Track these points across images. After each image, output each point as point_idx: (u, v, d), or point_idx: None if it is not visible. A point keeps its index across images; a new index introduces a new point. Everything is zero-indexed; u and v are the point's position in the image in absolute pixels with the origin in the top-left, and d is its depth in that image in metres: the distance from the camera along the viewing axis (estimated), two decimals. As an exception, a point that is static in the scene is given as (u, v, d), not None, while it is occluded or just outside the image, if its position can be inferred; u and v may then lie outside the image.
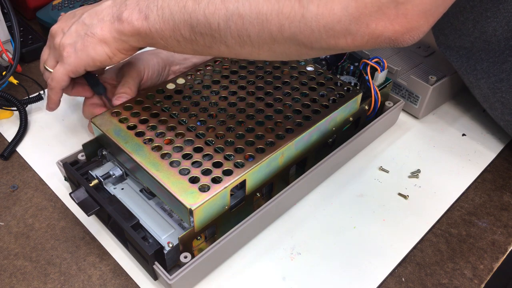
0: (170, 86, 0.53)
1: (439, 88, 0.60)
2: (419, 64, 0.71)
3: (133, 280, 0.46)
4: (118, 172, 0.49)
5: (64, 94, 0.53)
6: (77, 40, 0.48)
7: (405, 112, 0.64)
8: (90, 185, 0.47)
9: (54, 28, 0.51)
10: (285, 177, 0.50)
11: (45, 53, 0.52)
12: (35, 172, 0.56)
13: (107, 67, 0.56)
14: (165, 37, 0.44)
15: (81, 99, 0.66)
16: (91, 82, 0.53)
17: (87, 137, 0.51)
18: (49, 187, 0.54)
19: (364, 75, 0.57)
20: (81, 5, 0.71)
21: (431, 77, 0.59)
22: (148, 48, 0.52)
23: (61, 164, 0.50)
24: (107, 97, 0.54)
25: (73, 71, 0.49)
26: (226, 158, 0.45)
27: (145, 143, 0.46)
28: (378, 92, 0.56)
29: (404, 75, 0.67)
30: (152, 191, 0.46)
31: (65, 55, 0.48)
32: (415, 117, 0.64)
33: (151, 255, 0.41)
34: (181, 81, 0.54)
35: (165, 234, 0.44)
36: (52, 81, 0.50)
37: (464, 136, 0.62)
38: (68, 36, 0.48)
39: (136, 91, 0.53)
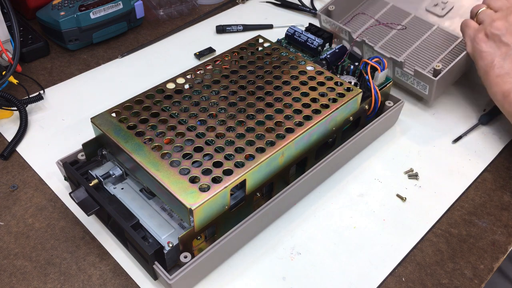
0: (170, 85, 0.53)
1: (445, 76, 0.60)
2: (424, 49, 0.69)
3: (133, 280, 0.46)
4: (118, 171, 0.49)
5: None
6: None
7: (416, 99, 0.65)
8: (90, 184, 0.47)
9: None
10: (285, 177, 0.50)
11: None
12: (35, 172, 0.56)
13: None
14: None
15: (80, 99, 0.66)
16: None
17: (87, 137, 0.51)
18: (49, 187, 0.54)
19: (364, 74, 0.57)
20: (80, 5, 0.71)
21: (437, 66, 0.59)
22: None
23: (61, 163, 0.50)
24: None
25: None
26: (226, 158, 0.45)
27: (145, 142, 0.46)
28: (378, 92, 0.56)
29: (409, 63, 0.66)
30: (152, 191, 0.46)
31: None
32: (426, 102, 0.65)
33: (151, 255, 0.41)
34: (181, 80, 0.54)
35: (165, 234, 0.44)
36: None
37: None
38: None
39: None
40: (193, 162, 0.45)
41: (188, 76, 0.55)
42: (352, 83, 0.57)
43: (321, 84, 0.54)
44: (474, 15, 0.58)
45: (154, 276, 0.44)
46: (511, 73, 0.52)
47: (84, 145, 0.50)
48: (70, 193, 0.47)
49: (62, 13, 0.71)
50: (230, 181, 0.43)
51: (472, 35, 0.57)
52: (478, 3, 0.60)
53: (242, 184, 0.45)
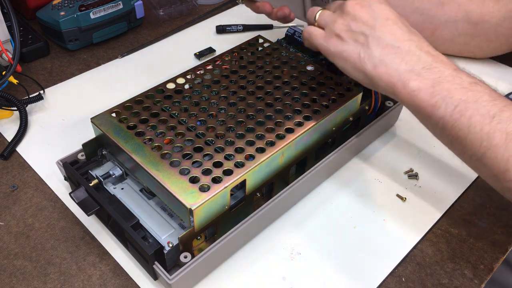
0: (170, 85, 0.53)
1: None
2: None
3: (133, 280, 0.46)
4: (118, 172, 0.49)
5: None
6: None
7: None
8: (90, 184, 0.47)
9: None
10: (285, 177, 0.50)
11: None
12: (35, 172, 0.56)
13: None
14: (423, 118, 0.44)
15: (80, 99, 0.66)
16: None
17: (87, 137, 0.51)
18: (49, 187, 0.54)
19: (364, 75, 0.56)
20: (80, 5, 0.71)
21: None
22: None
23: (61, 163, 0.50)
24: None
25: None
26: (226, 158, 0.45)
27: (145, 143, 0.46)
28: (378, 92, 0.56)
29: None
30: (152, 191, 0.46)
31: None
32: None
33: (151, 255, 0.41)
34: (181, 80, 0.54)
35: (165, 234, 0.44)
36: None
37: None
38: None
39: None
40: (193, 162, 0.45)
41: (188, 76, 0.55)
42: (352, 83, 0.57)
43: (321, 84, 0.54)
44: (313, 21, 0.51)
45: (154, 276, 0.44)
46: (384, 58, 0.45)
47: (84, 145, 0.50)
48: (70, 193, 0.47)
49: (62, 13, 0.71)
50: (230, 181, 0.43)
51: (324, 42, 0.49)
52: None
53: (242, 184, 0.45)
